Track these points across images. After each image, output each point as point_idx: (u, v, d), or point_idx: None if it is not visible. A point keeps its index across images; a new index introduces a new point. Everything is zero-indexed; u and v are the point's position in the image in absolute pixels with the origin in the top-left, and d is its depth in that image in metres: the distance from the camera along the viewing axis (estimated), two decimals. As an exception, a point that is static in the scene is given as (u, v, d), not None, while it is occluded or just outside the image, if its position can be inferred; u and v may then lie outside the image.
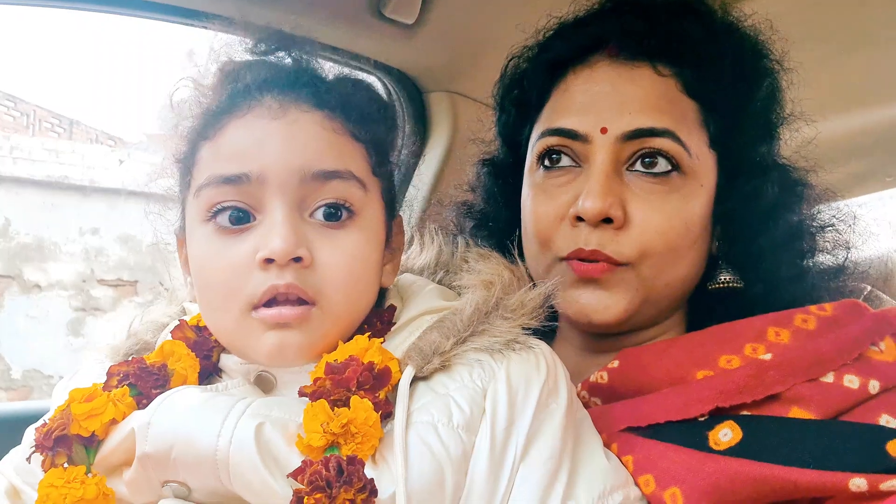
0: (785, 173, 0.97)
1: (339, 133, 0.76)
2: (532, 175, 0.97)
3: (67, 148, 6.19)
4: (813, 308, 0.86)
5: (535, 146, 0.96)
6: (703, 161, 0.91)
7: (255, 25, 0.84)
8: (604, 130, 0.89)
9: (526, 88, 1.01)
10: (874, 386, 0.78)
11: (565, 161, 0.93)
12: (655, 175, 0.89)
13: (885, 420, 0.75)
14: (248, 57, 0.81)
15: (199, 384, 0.80)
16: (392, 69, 1.50)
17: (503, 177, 1.09)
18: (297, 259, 0.71)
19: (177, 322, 0.85)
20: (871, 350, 0.81)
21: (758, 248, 0.93)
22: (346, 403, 0.68)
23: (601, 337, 0.98)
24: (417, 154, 1.59)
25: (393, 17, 1.32)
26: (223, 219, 0.73)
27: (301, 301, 0.72)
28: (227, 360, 0.81)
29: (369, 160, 0.79)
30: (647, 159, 0.89)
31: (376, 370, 0.71)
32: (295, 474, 0.65)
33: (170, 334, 0.84)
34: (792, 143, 0.99)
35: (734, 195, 0.93)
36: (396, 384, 0.72)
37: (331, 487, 0.62)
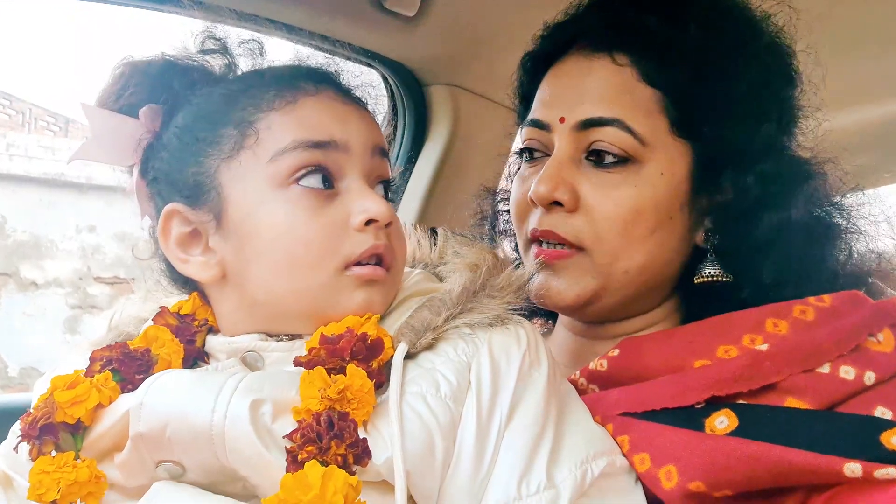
0: (783, 164, 0.94)
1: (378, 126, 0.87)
2: (518, 165, 1.03)
3: (64, 145, 6.18)
4: (812, 299, 0.86)
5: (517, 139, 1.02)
6: (662, 149, 0.91)
7: (243, 15, 0.86)
8: (562, 120, 0.93)
9: (522, 84, 1.07)
10: (870, 377, 0.77)
11: (537, 152, 0.98)
12: (604, 166, 0.92)
13: (881, 411, 0.75)
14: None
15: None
16: (392, 62, 1.49)
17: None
18: (388, 224, 0.79)
19: (158, 310, 0.85)
20: (870, 341, 0.81)
21: (753, 241, 0.91)
22: (340, 372, 0.70)
23: (594, 324, 1.00)
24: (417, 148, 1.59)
25: (393, 10, 1.31)
26: (312, 181, 0.77)
27: (379, 264, 0.79)
28: (213, 341, 0.82)
29: None
30: (594, 154, 0.92)
31: (370, 341, 0.73)
32: (291, 435, 0.66)
33: (152, 321, 0.84)
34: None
35: (721, 186, 0.92)
36: (388, 360, 0.74)
37: (321, 440, 0.64)
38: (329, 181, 0.78)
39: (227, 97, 0.80)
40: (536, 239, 0.94)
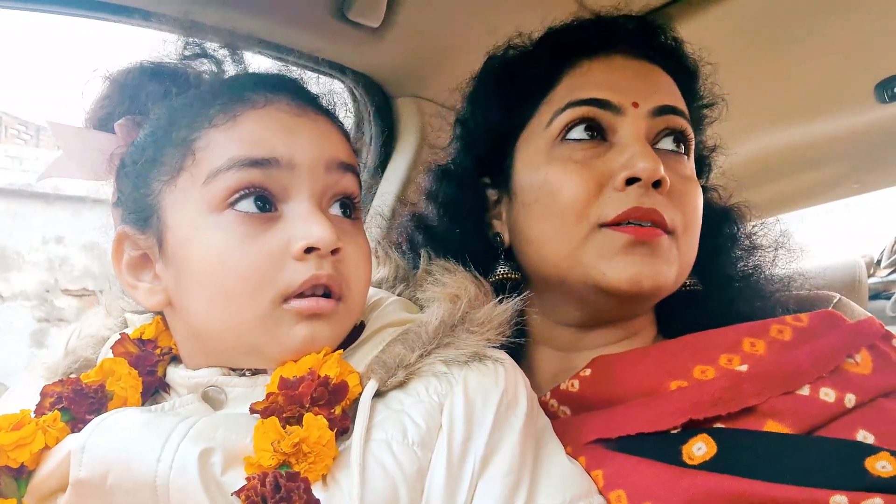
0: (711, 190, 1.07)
1: (344, 137, 0.80)
2: (552, 150, 0.92)
3: (31, 155, 6.08)
4: (789, 318, 0.85)
5: (555, 120, 0.92)
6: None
7: (206, 27, 0.82)
8: (636, 105, 0.90)
9: (532, 74, 0.98)
10: (850, 399, 0.76)
11: (587, 134, 0.91)
12: (677, 154, 0.93)
13: (863, 436, 0.73)
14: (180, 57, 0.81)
15: (144, 402, 0.76)
16: (358, 74, 1.46)
17: (464, 186, 1.04)
18: (335, 251, 0.72)
19: (118, 336, 0.81)
20: (848, 362, 0.80)
21: (711, 248, 0.97)
22: (298, 421, 0.66)
23: (582, 329, 0.96)
24: (384, 162, 1.56)
25: (358, 21, 1.28)
26: (247, 205, 0.71)
27: (327, 295, 0.72)
28: (174, 374, 0.78)
29: (358, 169, 0.81)
30: (677, 137, 0.93)
31: (332, 385, 0.68)
32: (238, 493, 0.62)
33: (110, 350, 0.80)
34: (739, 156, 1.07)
35: None
36: (354, 399, 0.70)
37: (266, 503, 0.60)
38: (270, 203, 0.72)
39: (172, 113, 0.75)
40: (623, 220, 0.86)
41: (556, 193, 0.90)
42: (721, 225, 1.00)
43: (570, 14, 1.02)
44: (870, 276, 2.54)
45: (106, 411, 0.72)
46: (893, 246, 2.64)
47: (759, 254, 1.01)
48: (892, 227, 2.84)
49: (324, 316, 0.72)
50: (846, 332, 0.83)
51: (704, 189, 1.01)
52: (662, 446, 0.78)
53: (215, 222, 0.71)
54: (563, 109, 0.92)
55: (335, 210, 0.77)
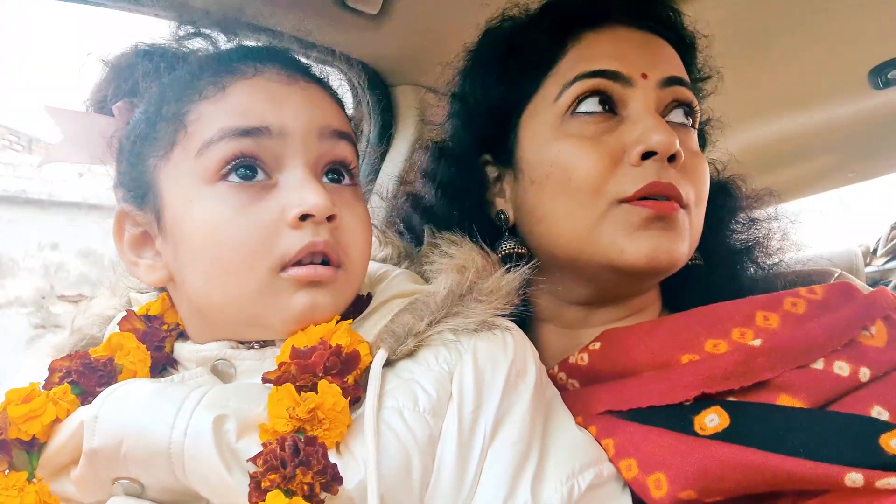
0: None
1: (337, 104, 0.80)
2: (561, 126, 0.90)
3: (25, 162, 6.06)
4: (803, 291, 0.84)
5: (564, 93, 0.90)
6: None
7: (202, 12, 0.83)
8: (644, 76, 0.89)
9: (533, 47, 0.96)
10: (865, 374, 0.75)
11: (600, 107, 0.90)
12: (686, 127, 0.92)
13: (877, 412, 0.72)
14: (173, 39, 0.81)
15: (152, 378, 0.76)
16: (356, 61, 1.45)
17: (464, 164, 1.03)
18: (331, 218, 0.71)
19: (124, 313, 0.81)
20: (863, 335, 0.79)
21: (713, 222, 0.96)
22: (312, 390, 0.65)
23: (588, 307, 0.96)
24: (384, 149, 1.56)
25: (356, 7, 1.28)
26: (240, 175, 0.71)
27: (325, 262, 0.71)
28: (181, 350, 0.78)
29: (354, 137, 0.81)
30: (685, 109, 0.92)
31: (344, 354, 0.68)
32: (254, 459, 0.62)
33: (117, 326, 0.80)
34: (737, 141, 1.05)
35: None
36: (365, 368, 0.70)
37: (285, 467, 0.59)
38: (264, 172, 0.71)
39: (162, 88, 0.75)
40: (640, 195, 0.84)
41: (569, 170, 0.88)
42: (720, 198, 1.00)
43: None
44: (866, 265, 2.55)
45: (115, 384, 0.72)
46: (889, 234, 2.66)
47: (757, 226, 1.01)
48: (888, 219, 2.85)
49: (323, 283, 0.71)
50: (861, 303, 0.82)
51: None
52: (674, 417, 0.77)
53: (209, 194, 0.70)
54: (573, 82, 0.90)
55: (331, 178, 0.76)
